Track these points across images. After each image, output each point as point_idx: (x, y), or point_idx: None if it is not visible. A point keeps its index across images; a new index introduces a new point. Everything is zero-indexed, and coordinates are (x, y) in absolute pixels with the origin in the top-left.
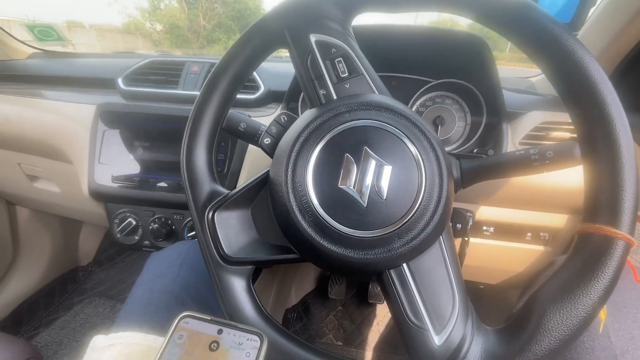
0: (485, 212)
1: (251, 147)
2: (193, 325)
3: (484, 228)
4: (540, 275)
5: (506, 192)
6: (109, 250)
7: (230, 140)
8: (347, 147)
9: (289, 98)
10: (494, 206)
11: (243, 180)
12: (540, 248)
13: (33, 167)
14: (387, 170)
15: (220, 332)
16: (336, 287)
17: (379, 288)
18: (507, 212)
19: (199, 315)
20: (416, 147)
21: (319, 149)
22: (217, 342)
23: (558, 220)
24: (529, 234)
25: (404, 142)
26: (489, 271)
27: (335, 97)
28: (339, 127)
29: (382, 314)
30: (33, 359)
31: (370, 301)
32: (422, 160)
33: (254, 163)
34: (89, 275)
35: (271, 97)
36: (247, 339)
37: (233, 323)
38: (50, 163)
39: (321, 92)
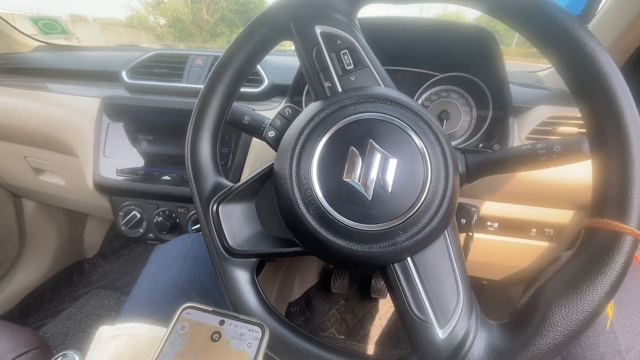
0: (489, 208)
1: (255, 141)
2: (195, 316)
3: (488, 223)
4: (544, 271)
5: (511, 187)
6: (113, 242)
7: (234, 133)
8: (352, 140)
9: (293, 91)
10: (498, 201)
11: (247, 174)
12: (544, 244)
13: (39, 160)
14: (393, 163)
15: (222, 323)
16: (339, 282)
17: (382, 282)
18: (511, 207)
19: (201, 306)
20: (422, 141)
21: (323, 141)
22: (219, 333)
23: (563, 216)
24: (534, 230)
25: (410, 136)
26: (492, 267)
27: (340, 89)
28: (344, 120)
29: (385, 309)
30: (40, 348)
31: (373, 296)
32: (428, 153)
33: (257, 156)
34: (94, 268)
35: (275, 91)
36: (249, 330)
37: (235, 314)
38: (56, 156)
39: (326, 84)
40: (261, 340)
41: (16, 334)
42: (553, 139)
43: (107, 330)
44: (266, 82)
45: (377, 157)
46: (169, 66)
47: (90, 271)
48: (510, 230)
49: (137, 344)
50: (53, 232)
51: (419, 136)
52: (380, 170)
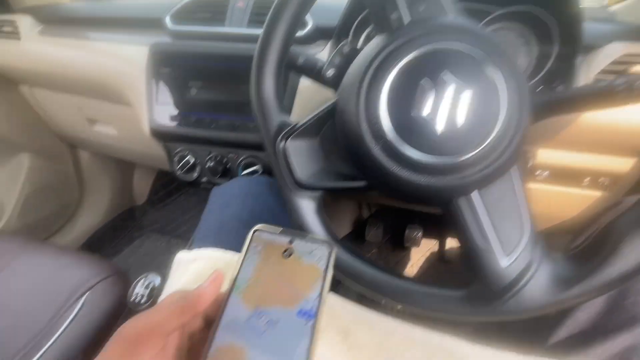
0: (540, 155)
1: (302, 84)
2: (266, 237)
3: (537, 172)
4: (604, 215)
5: (567, 132)
6: (160, 192)
7: None
8: (425, 71)
9: (340, 33)
10: (551, 148)
11: (295, 117)
12: (596, 193)
13: (92, 111)
14: (466, 95)
15: (291, 241)
16: (373, 231)
17: (416, 232)
18: (564, 155)
19: (271, 227)
20: (496, 73)
21: (394, 73)
22: (290, 251)
23: (621, 164)
24: (587, 179)
25: (486, 67)
26: (537, 216)
27: (410, 19)
28: (417, 51)
29: (416, 258)
30: (119, 274)
31: (407, 245)
32: (504, 87)
33: (304, 100)
34: (145, 214)
35: (319, 34)
36: (317, 248)
37: (302, 233)
38: (108, 106)
39: (393, 15)
40: (329, 257)
41: (95, 262)
42: (634, 75)
43: (185, 255)
44: (310, 25)
45: (450, 89)
46: (211, 10)
47: (141, 217)
48: (560, 178)
49: (214, 266)
50: (107, 181)
51: (495, 68)
52: (452, 103)
